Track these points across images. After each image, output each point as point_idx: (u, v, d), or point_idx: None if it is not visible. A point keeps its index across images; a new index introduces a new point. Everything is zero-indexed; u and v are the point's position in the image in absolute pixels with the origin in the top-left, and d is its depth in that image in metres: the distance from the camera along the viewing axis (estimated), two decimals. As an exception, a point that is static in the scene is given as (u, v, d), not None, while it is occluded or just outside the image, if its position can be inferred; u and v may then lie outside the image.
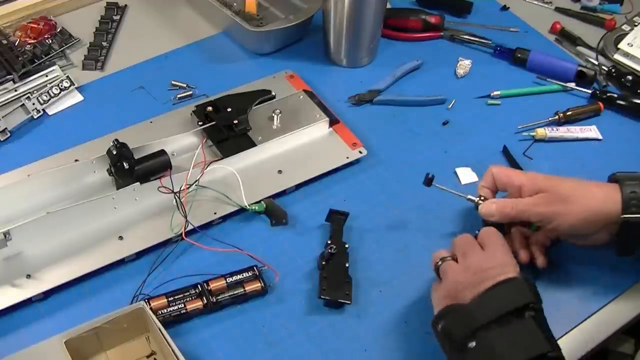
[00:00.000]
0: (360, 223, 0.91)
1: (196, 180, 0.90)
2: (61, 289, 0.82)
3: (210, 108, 0.98)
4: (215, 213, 0.89)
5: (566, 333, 0.82)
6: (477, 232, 0.80)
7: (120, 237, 0.86)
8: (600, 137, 1.03)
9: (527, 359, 0.67)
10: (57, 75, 1.05)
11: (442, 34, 1.18)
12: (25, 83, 1.04)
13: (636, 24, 1.18)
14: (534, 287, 0.73)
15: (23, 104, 1.01)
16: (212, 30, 1.17)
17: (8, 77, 1.04)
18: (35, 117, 1.01)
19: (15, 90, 1.03)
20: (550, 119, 1.04)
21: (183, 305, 0.80)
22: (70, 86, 1.05)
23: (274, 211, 0.90)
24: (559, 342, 0.81)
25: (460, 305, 0.72)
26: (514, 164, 0.98)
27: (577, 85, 1.10)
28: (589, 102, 1.08)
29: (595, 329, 0.83)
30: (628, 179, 0.80)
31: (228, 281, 0.82)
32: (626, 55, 1.13)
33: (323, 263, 0.84)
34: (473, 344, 0.68)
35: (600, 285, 0.86)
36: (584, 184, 0.81)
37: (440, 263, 0.77)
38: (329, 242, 0.86)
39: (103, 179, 0.91)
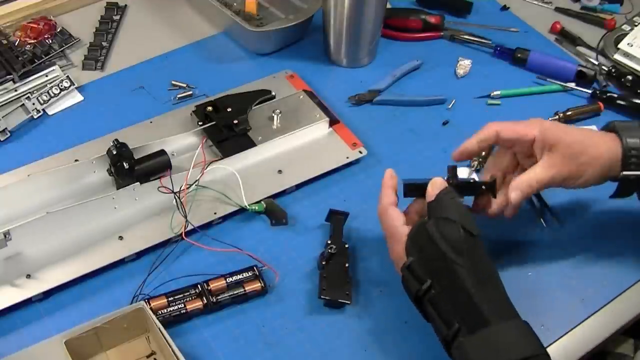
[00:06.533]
0: (360, 223, 0.91)
1: (196, 180, 0.90)
2: (61, 289, 0.82)
3: (210, 108, 0.98)
4: (215, 213, 0.89)
5: (566, 333, 0.82)
6: None
7: (120, 237, 0.86)
8: (600, 137, 1.03)
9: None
10: (57, 75, 1.05)
11: (442, 34, 1.18)
12: (25, 83, 1.04)
13: (636, 24, 1.18)
14: (420, 267, 0.72)
15: (23, 104, 1.01)
16: (212, 30, 1.17)
17: (8, 77, 1.04)
18: (35, 117, 1.01)
19: (15, 90, 1.03)
20: (550, 119, 1.04)
21: (183, 305, 0.80)
22: (70, 86, 1.05)
23: (274, 211, 0.90)
24: (559, 342, 0.81)
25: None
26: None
27: (577, 85, 1.10)
28: (589, 102, 1.08)
29: (595, 329, 0.83)
30: (626, 130, 0.79)
31: (228, 281, 0.82)
32: (626, 55, 1.13)
33: (323, 263, 0.84)
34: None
35: (600, 285, 0.86)
36: (590, 138, 0.79)
37: None
38: (329, 242, 0.86)
39: (103, 179, 0.91)
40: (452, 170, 0.79)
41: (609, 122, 0.82)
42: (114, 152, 0.88)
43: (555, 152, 0.78)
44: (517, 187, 0.79)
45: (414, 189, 0.79)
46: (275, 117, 0.98)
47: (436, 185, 0.76)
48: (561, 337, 0.82)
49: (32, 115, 1.01)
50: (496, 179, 0.81)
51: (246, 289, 0.82)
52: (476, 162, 0.84)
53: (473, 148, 0.82)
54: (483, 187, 0.81)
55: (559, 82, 1.10)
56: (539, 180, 0.78)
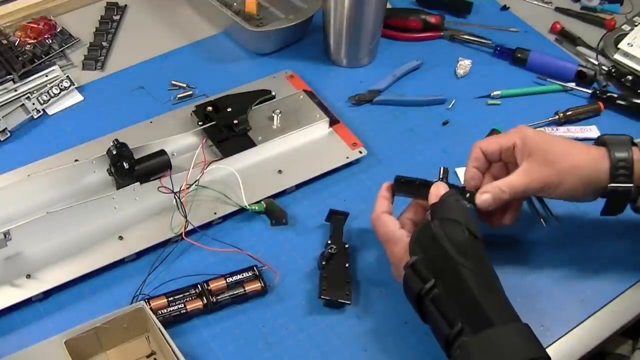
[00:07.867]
0: (360, 223, 0.91)
1: (196, 180, 0.90)
2: (61, 289, 0.82)
3: (210, 108, 0.98)
4: (215, 213, 0.89)
5: (566, 333, 0.82)
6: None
7: (120, 237, 0.86)
8: (600, 137, 1.03)
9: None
10: (57, 75, 1.05)
11: (442, 34, 1.18)
12: (25, 83, 1.04)
13: (636, 24, 1.18)
14: (425, 267, 0.71)
15: (23, 104, 1.01)
16: (212, 30, 1.17)
17: (8, 77, 1.04)
18: (35, 117, 1.01)
19: (15, 90, 1.03)
20: (550, 119, 1.04)
21: (183, 305, 0.80)
22: (70, 86, 1.05)
23: (274, 211, 0.90)
24: (558, 342, 0.81)
25: None
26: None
27: (577, 85, 1.10)
28: (589, 102, 1.08)
29: (594, 329, 0.83)
30: (616, 144, 0.78)
31: (228, 281, 0.82)
32: (626, 55, 1.13)
33: (323, 263, 0.84)
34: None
35: (599, 286, 0.86)
36: (573, 148, 0.79)
37: None
38: (329, 242, 0.86)
39: (103, 179, 0.91)
40: (444, 172, 0.81)
41: (599, 136, 0.82)
42: (114, 152, 0.88)
43: (533, 158, 0.78)
44: (487, 190, 0.79)
45: (405, 182, 0.82)
46: (275, 117, 0.98)
47: (440, 188, 0.77)
48: (561, 337, 0.82)
49: (32, 115, 1.01)
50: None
51: (246, 289, 0.82)
52: None
53: (476, 174, 0.83)
54: (468, 194, 0.82)
55: (559, 82, 1.10)
56: (511, 185, 0.78)
